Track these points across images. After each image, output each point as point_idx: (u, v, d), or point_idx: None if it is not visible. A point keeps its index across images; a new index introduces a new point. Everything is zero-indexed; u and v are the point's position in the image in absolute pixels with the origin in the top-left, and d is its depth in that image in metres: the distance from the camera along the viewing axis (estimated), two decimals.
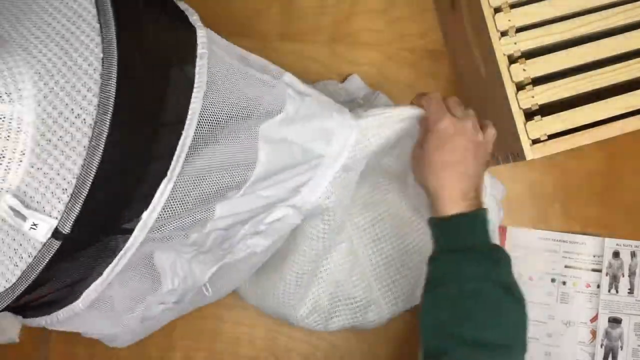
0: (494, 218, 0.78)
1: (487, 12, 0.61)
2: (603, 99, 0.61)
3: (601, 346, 0.80)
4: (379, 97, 0.81)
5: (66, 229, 0.41)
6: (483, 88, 0.69)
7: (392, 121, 0.60)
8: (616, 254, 0.80)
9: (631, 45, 0.62)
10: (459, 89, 0.82)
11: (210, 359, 0.83)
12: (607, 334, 0.80)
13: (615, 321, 0.80)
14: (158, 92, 0.45)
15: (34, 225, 0.41)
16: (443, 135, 0.57)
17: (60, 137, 0.42)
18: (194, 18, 0.50)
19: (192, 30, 0.49)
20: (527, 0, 0.62)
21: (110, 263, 0.45)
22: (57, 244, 0.42)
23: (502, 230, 0.81)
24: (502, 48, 0.61)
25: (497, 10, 0.61)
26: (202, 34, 0.49)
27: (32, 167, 0.42)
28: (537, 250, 0.81)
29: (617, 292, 0.80)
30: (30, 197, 0.42)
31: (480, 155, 0.58)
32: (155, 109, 0.45)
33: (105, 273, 0.45)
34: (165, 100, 0.45)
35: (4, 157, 0.41)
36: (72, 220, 0.41)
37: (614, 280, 0.80)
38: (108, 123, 0.41)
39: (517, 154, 0.63)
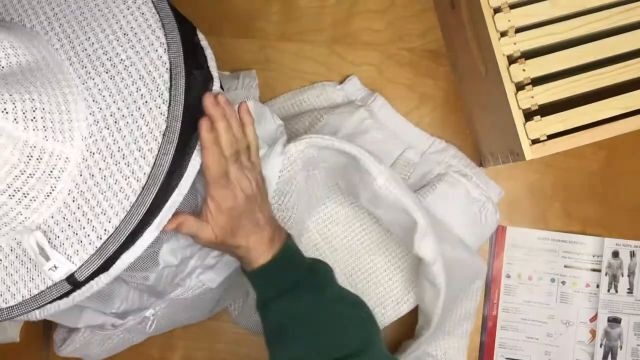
0: (492, 221, 0.78)
1: (487, 12, 0.61)
2: (603, 99, 0.61)
3: (600, 346, 0.80)
4: (377, 99, 0.81)
5: (82, 277, 0.42)
6: (483, 88, 0.69)
7: (316, 145, 0.62)
8: (615, 254, 0.80)
9: (631, 45, 0.62)
10: (458, 89, 0.82)
11: (210, 359, 0.83)
12: (606, 334, 0.80)
13: (614, 321, 0.80)
14: (184, 156, 0.46)
15: (55, 267, 0.42)
16: (226, 211, 0.54)
17: (102, 190, 0.42)
18: (212, 64, 0.50)
19: (209, 79, 0.50)
20: (527, 0, 0.62)
21: (78, 290, 0.45)
22: (67, 288, 0.43)
23: (502, 230, 0.81)
24: (502, 48, 0.61)
25: (497, 10, 0.61)
26: (217, 88, 0.50)
27: (66, 207, 0.42)
28: (537, 250, 0.81)
29: (616, 291, 0.80)
30: (55, 236, 0.42)
31: (263, 197, 0.58)
32: (178, 172, 0.46)
33: (71, 297, 0.45)
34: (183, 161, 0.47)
35: (42, 190, 0.41)
36: (91, 271, 0.42)
37: (614, 280, 0.80)
38: (153, 195, 0.42)
39: (517, 154, 0.63)
